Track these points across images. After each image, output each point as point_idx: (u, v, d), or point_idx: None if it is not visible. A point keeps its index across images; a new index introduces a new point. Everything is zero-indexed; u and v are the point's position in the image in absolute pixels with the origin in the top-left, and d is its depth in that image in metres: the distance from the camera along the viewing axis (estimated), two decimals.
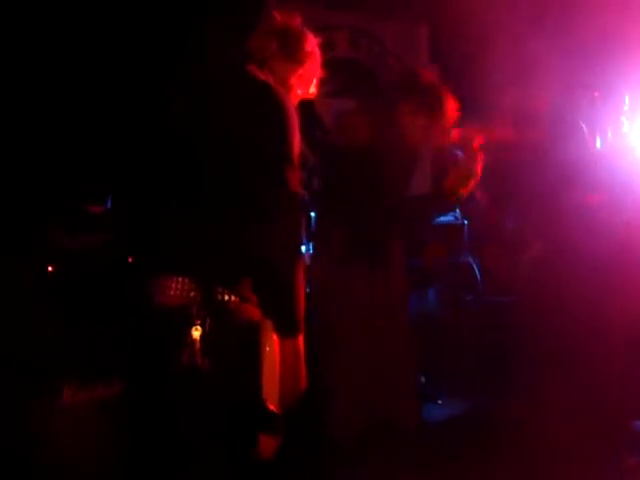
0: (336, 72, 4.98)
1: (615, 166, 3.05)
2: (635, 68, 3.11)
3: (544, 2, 3.80)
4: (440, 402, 3.83)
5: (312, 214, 4.21)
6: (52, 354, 2.64)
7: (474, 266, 4.54)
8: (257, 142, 1.84)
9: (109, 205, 3.53)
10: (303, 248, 4.01)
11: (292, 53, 2.17)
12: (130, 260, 3.05)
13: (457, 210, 4.59)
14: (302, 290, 1.81)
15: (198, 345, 1.73)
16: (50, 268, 3.07)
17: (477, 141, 3.02)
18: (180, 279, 1.77)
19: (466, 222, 4.67)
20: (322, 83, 5.20)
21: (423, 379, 3.87)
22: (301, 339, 1.85)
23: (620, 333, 2.96)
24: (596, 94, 3.12)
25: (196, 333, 1.73)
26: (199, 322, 1.73)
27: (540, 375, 3.14)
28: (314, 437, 2.91)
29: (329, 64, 5.12)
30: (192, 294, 1.76)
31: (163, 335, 1.78)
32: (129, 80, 3.89)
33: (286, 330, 1.80)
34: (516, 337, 3.59)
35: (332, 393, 2.87)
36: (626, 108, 3.13)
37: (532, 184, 3.38)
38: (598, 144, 3.17)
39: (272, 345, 1.80)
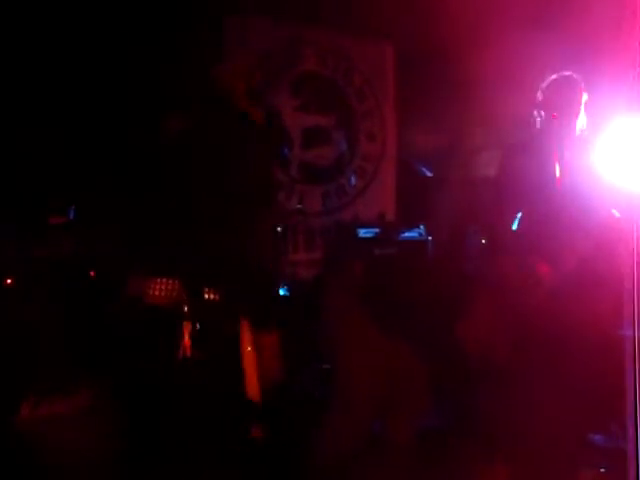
0: (303, 87, 5.04)
1: (574, 188, 3.12)
2: (592, 89, 3.20)
3: (507, 22, 3.89)
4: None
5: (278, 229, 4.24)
6: (9, 368, 2.61)
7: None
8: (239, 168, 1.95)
9: (71, 216, 3.52)
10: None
11: None
12: (92, 273, 3.04)
13: (421, 227, 4.66)
14: (274, 292, 1.96)
15: (188, 340, 1.81)
16: (9, 280, 3.04)
17: None
18: (166, 280, 1.85)
19: (430, 238, 4.73)
20: (290, 97, 5.29)
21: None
22: (275, 334, 1.97)
23: (579, 349, 3.03)
24: (555, 114, 3.19)
25: (186, 329, 1.82)
26: (188, 319, 1.82)
27: (499, 387, 3.20)
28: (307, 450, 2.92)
29: (296, 79, 5.23)
30: (179, 294, 1.85)
31: (157, 331, 1.86)
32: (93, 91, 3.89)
33: (265, 326, 1.92)
34: (474, 355, 3.65)
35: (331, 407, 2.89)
36: (584, 128, 3.22)
37: (492, 202, 3.46)
38: (557, 165, 3.24)
39: (250, 340, 1.90)
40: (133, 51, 3.97)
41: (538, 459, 2.95)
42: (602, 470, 3.16)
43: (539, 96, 3.27)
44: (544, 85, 3.26)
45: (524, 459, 2.96)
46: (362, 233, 4.55)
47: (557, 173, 3.18)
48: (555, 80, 3.24)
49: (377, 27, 5.02)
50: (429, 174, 5.14)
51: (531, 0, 3.82)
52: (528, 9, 3.82)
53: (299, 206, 4.85)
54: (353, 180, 5.17)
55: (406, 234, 4.59)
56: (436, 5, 3.93)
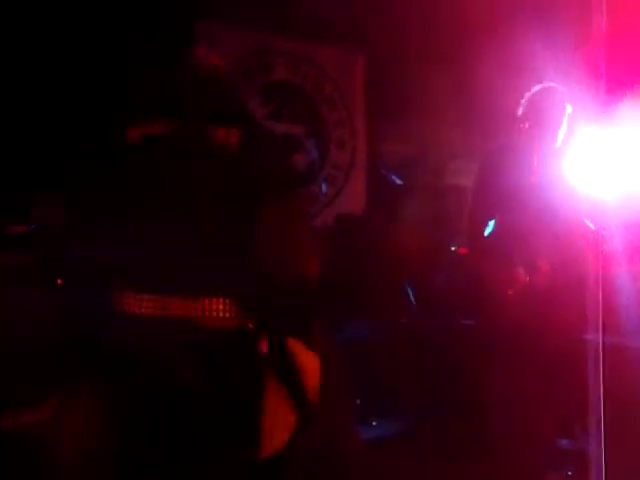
0: (274, 96, 5.05)
1: (548, 196, 3.16)
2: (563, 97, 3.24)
3: (481, 28, 3.93)
4: (374, 423, 3.89)
5: None
6: None
7: (408, 289, 4.64)
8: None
9: (33, 226, 3.46)
10: None
11: None
12: (59, 281, 3.00)
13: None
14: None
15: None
16: None
17: None
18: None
19: None
20: (260, 105, 5.29)
21: (358, 401, 3.93)
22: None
23: (546, 348, 3.07)
24: (526, 125, 3.23)
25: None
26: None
27: (469, 395, 3.24)
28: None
29: (267, 88, 5.24)
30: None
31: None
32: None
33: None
34: (444, 357, 3.69)
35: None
36: (562, 139, 3.24)
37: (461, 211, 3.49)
38: (531, 173, 3.26)
39: None
40: (99, 54, 3.93)
41: (505, 462, 2.98)
42: (569, 473, 3.21)
43: (522, 106, 3.30)
44: (527, 95, 3.29)
45: (491, 461, 2.99)
46: None
47: (533, 181, 3.21)
48: (539, 91, 3.27)
49: (347, 35, 5.05)
50: (399, 182, 5.18)
51: (506, 6, 3.86)
52: (502, 15, 3.86)
53: None
54: (324, 188, 5.20)
55: None
56: (408, 12, 3.96)
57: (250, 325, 1.81)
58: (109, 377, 1.93)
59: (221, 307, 1.80)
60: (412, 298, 4.64)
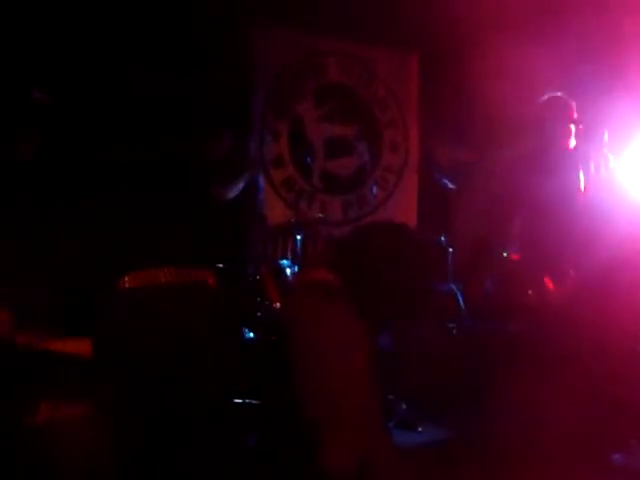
0: (327, 97, 5.02)
1: (602, 200, 3.08)
2: (614, 104, 3.15)
3: (532, 33, 3.85)
4: (420, 429, 3.81)
5: (298, 237, 4.22)
6: (26, 372, 2.62)
7: (457, 293, 4.54)
8: None
9: None
10: (288, 270, 4.02)
11: None
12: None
13: (442, 238, 4.60)
14: None
15: None
16: None
17: None
18: None
19: (450, 249, 4.67)
20: (313, 107, 5.29)
21: (404, 406, 3.85)
22: None
23: (602, 358, 2.98)
24: (580, 126, 3.14)
25: None
26: None
27: (520, 401, 3.14)
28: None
29: (320, 89, 5.23)
30: None
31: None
32: None
33: None
34: (497, 364, 3.59)
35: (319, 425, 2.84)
36: (609, 143, 3.16)
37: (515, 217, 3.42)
38: (582, 179, 3.20)
39: None
40: (162, 62, 3.97)
41: (555, 475, 2.88)
42: None
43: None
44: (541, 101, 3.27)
45: (544, 478, 2.88)
46: None
47: (582, 187, 3.14)
48: (547, 99, 3.24)
49: (401, 37, 4.99)
50: (451, 185, 5.08)
51: (551, 14, 3.78)
52: (548, 22, 3.78)
53: (320, 215, 4.82)
54: (375, 190, 5.14)
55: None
56: (461, 16, 3.89)
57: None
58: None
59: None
60: (462, 302, 4.54)
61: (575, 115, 3.22)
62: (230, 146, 3.92)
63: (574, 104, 3.24)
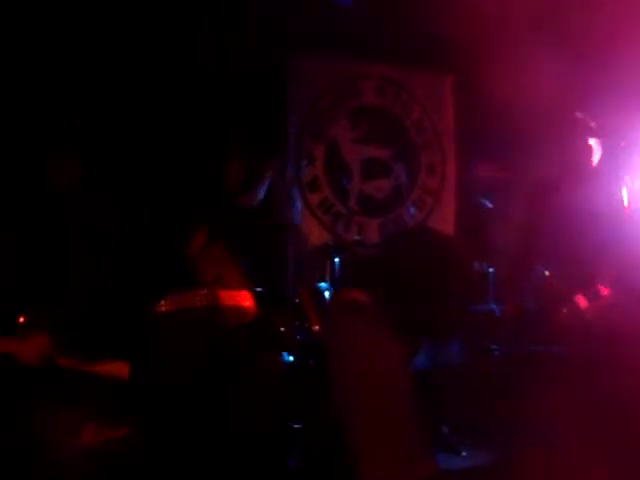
0: (363, 119, 5.03)
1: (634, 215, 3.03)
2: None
3: (569, 52, 3.81)
4: (464, 454, 3.74)
5: (336, 259, 4.20)
6: (69, 393, 2.65)
7: (498, 314, 4.47)
8: None
9: None
10: (326, 292, 4.00)
11: None
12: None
13: (483, 263, 4.55)
14: None
15: None
16: None
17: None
18: None
19: (491, 270, 4.61)
20: (349, 129, 5.31)
21: (446, 430, 3.78)
22: None
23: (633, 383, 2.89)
24: (622, 143, 3.10)
25: None
26: None
27: (567, 428, 3.05)
28: None
29: (356, 112, 5.24)
30: None
31: None
32: None
33: None
34: (543, 389, 3.51)
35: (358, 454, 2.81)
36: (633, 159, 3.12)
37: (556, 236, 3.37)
38: (625, 194, 3.14)
39: None
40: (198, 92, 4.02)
41: None
42: None
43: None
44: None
45: None
46: None
47: (625, 201, 3.09)
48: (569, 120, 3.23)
49: (434, 59, 4.99)
50: (490, 205, 5.02)
51: (579, 37, 3.75)
52: (578, 44, 3.75)
53: (358, 237, 4.80)
54: (412, 212, 5.11)
55: None
56: (494, 37, 3.88)
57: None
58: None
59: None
60: (503, 323, 4.46)
61: (597, 131, 3.19)
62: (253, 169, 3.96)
63: (595, 123, 3.22)
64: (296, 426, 2.93)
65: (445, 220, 5.20)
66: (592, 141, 3.26)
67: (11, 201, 3.06)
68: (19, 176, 3.01)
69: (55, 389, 2.57)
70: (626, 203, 3.09)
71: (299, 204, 4.70)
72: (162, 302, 2.27)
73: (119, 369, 2.38)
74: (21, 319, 2.48)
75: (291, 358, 3.60)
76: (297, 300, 3.80)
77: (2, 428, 2.53)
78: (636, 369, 2.86)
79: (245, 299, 2.39)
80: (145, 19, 3.96)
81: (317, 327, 3.54)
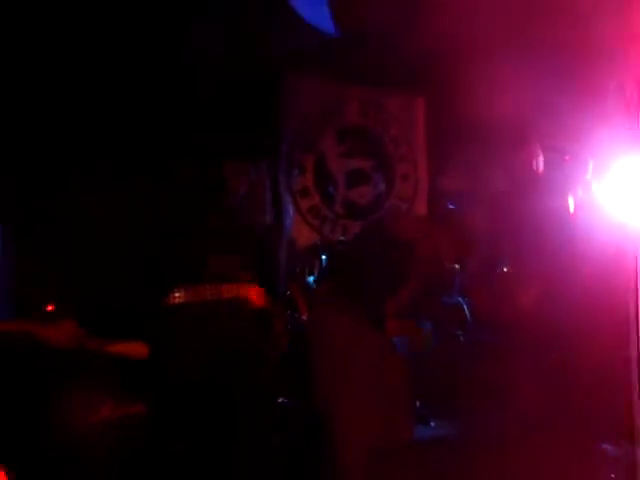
0: (346, 136, 5.08)
1: (586, 222, 3.07)
2: (599, 132, 3.14)
3: (528, 75, 3.84)
4: (432, 424, 3.79)
5: (323, 257, 4.24)
6: (94, 373, 2.65)
7: (464, 306, 4.52)
8: None
9: None
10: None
11: None
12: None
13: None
14: None
15: None
16: None
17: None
18: None
19: (457, 267, 4.66)
20: (335, 144, 5.33)
21: (417, 403, 3.84)
22: None
23: (593, 363, 2.94)
24: (567, 157, 3.15)
25: None
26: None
27: (520, 401, 3.11)
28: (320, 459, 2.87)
29: (341, 129, 5.28)
30: None
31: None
32: None
33: None
34: (499, 369, 3.56)
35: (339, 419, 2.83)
36: (592, 170, 3.16)
37: (511, 237, 3.42)
38: (570, 202, 3.19)
39: None
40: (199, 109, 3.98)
41: (553, 464, 2.84)
42: (612, 476, 3.02)
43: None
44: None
45: (540, 466, 2.85)
46: None
47: (571, 209, 3.14)
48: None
49: (409, 84, 5.04)
50: (456, 211, 5.07)
51: (545, 56, 3.78)
52: (543, 63, 3.78)
53: (342, 238, 4.85)
54: None
55: None
56: (459, 63, 3.93)
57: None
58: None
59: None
60: (467, 313, 4.51)
61: (548, 148, 3.24)
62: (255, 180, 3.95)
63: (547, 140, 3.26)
64: (285, 403, 2.97)
65: None
66: (542, 156, 3.31)
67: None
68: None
69: (79, 369, 2.57)
70: (571, 210, 3.14)
71: (290, 209, 4.75)
72: (175, 294, 2.23)
73: (138, 349, 2.36)
74: (49, 307, 2.49)
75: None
76: (288, 293, 3.85)
77: (27, 405, 2.54)
78: (585, 358, 2.92)
79: (252, 293, 2.33)
80: (140, 37, 3.86)
81: (305, 316, 3.59)
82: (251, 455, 2.13)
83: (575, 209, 3.14)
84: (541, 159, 3.26)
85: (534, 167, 3.31)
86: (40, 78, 3.51)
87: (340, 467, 2.66)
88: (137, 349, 2.37)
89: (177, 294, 2.23)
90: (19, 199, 3.15)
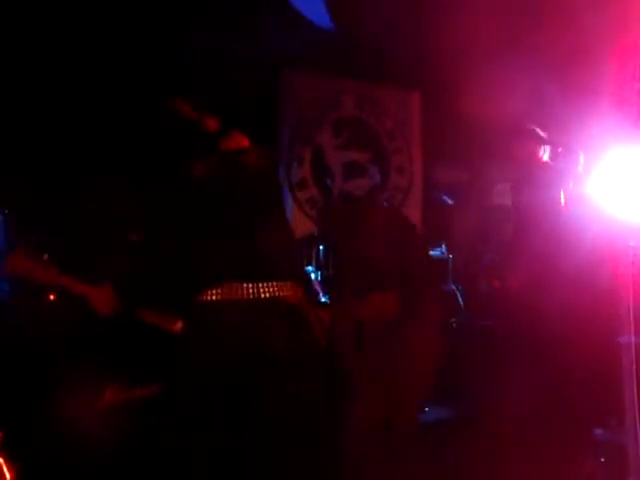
0: (343, 129, 5.05)
1: (577, 212, 3.06)
2: (591, 125, 3.13)
3: (521, 68, 3.82)
4: (427, 409, 3.80)
5: (320, 247, 4.23)
6: (98, 359, 2.61)
7: (457, 293, 4.53)
8: None
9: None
10: (312, 275, 4.03)
11: None
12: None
13: (443, 246, 4.60)
14: None
15: None
16: None
17: None
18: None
19: (451, 256, 4.67)
20: (332, 137, 5.31)
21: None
22: None
23: (583, 349, 2.95)
24: (559, 150, 3.14)
25: None
26: None
27: (512, 386, 3.12)
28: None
29: (338, 122, 5.25)
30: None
31: None
32: None
33: None
34: (492, 355, 3.57)
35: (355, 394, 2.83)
36: (584, 163, 3.15)
37: (504, 227, 3.42)
38: (562, 195, 3.19)
39: None
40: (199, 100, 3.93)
41: (545, 447, 2.85)
42: (602, 460, 3.04)
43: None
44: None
45: (532, 449, 2.86)
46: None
47: (562, 201, 3.13)
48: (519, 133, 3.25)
49: (404, 77, 5.02)
50: (450, 202, 5.08)
51: (535, 52, 3.77)
52: (533, 59, 3.77)
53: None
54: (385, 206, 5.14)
55: (431, 252, 4.54)
56: (454, 57, 3.91)
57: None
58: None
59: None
60: (461, 301, 4.52)
61: (544, 140, 3.22)
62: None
63: (543, 133, 3.24)
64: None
65: (413, 214, 5.23)
66: (539, 148, 3.30)
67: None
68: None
69: (84, 355, 2.53)
70: (563, 202, 3.14)
71: (289, 200, 4.73)
72: (212, 291, 2.09)
73: (173, 322, 2.26)
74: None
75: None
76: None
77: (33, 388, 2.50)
78: (575, 342, 2.92)
79: (286, 290, 2.18)
80: (138, 33, 3.79)
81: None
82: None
83: (567, 201, 3.14)
84: (539, 151, 3.24)
85: (528, 159, 3.30)
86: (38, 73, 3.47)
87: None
88: (172, 322, 2.27)
89: (213, 291, 2.11)
90: (23, 188, 3.11)
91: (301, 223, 4.83)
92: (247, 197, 2.19)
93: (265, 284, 2.13)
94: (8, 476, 2.25)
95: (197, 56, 3.90)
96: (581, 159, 3.18)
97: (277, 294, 2.15)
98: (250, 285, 2.10)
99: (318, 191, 4.95)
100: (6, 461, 2.26)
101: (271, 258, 2.18)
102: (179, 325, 2.22)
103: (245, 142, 2.36)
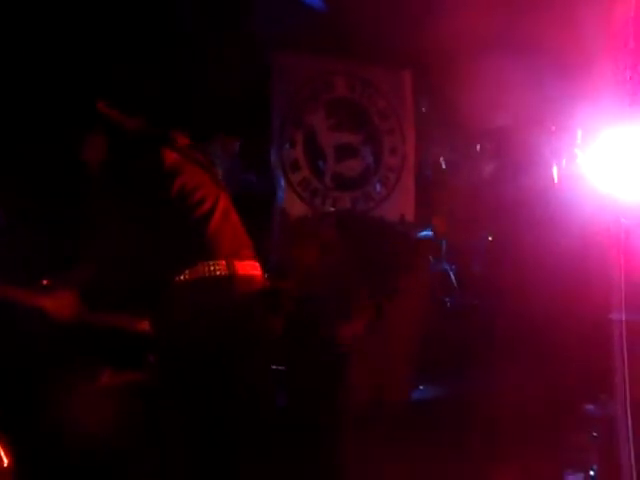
0: (335, 110, 4.99)
1: (570, 192, 3.04)
2: (586, 104, 3.08)
3: (514, 47, 3.77)
4: (421, 387, 3.80)
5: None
6: (93, 342, 2.60)
7: (450, 274, 4.51)
8: None
9: None
10: None
11: None
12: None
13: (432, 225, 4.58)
14: None
15: None
16: None
17: None
18: None
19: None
20: (324, 118, 5.26)
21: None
22: None
23: (574, 326, 2.95)
24: (553, 128, 3.10)
25: None
26: None
27: (504, 363, 3.11)
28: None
29: (330, 103, 5.20)
30: None
31: None
32: None
33: None
34: (485, 333, 3.56)
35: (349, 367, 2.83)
36: (579, 141, 3.11)
37: (496, 206, 3.39)
38: (555, 173, 3.16)
39: None
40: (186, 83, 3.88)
41: (537, 424, 2.86)
42: (594, 434, 3.04)
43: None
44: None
45: (525, 423, 2.86)
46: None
47: (555, 180, 3.10)
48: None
49: (396, 57, 4.95)
50: (443, 181, 5.04)
51: (528, 30, 3.71)
52: (526, 38, 3.71)
53: (332, 209, 4.80)
54: (378, 188, 5.10)
55: (422, 233, 4.53)
56: (446, 37, 3.85)
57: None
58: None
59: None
60: (454, 281, 4.51)
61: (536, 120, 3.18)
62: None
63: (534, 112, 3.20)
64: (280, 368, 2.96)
65: (406, 194, 5.20)
66: (530, 128, 3.26)
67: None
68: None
69: (79, 340, 2.52)
70: (556, 180, 3.11)
71: (282, 182, 4.68)
72: (186, 271, 2.11)
73: (140, 323, 2.29)
74: (44, 282, 2.39)
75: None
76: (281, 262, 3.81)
77: (30, 375, 2.49)
78: (566, 322, 2.92)
79: (256, 269, 2.23)
80: (129, 17, 3.72)
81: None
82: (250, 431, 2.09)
83: (560, 179, 3.10)
84: (528, 130, 3.20)
85: (520, 139, 3.26)
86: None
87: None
88: (139, 324, 2.30)
89: (187, 271, 2.11)
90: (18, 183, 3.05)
91: (294, 205, 4.80)
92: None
93: (240, 262, 2.14)
94: (6, 461, 2.24)
95: (185, 40, 3.82)
96: (579, 137, 3.13)
97: (250, 273, 2.17)
98: (222, 263, 2.10)
99: (310, 173, 4.90)
100: (3, 446, 2.25)
101: (241, 237, 2.22)
102: (145, 324, 2.23)
103: (185, 140, 2.40)
